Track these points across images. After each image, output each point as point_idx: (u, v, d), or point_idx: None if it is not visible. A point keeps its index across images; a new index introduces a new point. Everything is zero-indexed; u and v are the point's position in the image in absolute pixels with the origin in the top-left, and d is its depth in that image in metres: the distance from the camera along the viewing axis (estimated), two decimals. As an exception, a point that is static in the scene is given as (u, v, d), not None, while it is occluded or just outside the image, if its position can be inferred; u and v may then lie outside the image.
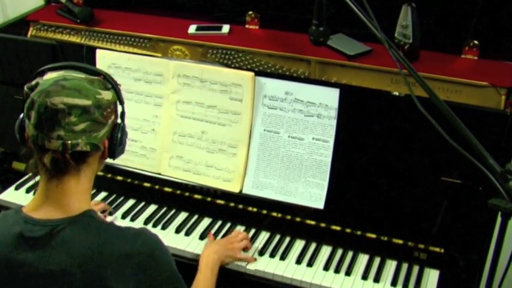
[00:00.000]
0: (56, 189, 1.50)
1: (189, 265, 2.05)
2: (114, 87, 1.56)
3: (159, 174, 2.35)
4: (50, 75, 1.52)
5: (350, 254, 2.12)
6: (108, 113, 1.52)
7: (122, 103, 1.60)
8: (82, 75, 1.52)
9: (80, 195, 1.53)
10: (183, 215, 2.31)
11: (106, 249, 1.46)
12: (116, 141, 1.57)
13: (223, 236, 2.19)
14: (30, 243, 1.46)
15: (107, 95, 1.52)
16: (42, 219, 1.49)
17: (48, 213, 1.50)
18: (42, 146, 1.46)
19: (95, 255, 1.44)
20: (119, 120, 1.62)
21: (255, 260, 2.09)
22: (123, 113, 1.61)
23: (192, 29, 2.61)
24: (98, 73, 1.56)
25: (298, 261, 2.08)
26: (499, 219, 1.44)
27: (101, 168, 1.66)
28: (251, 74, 2.20)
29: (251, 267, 2.06)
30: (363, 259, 2.10)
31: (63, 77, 1.49)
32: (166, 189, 2.35)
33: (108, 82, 1.56)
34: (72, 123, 1.44)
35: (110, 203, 2.37)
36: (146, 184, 2.39)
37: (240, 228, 2.23)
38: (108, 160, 1.66)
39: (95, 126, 1.48)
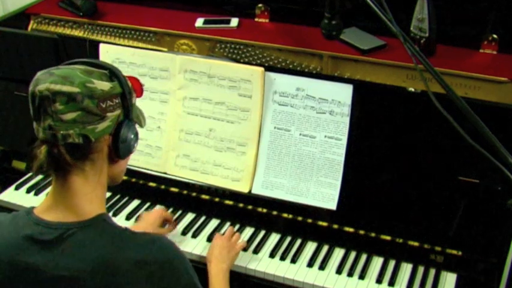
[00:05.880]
0: (63, 189, 1.49)
1: (195, 268, 2.05)
2: (121, 81, 1.51)
3: (165, 173, 2.37)
4: None
5: (364, 256, 2.13)
6: (108, 106, 1.47)
7: (126, 97, 1.53)
8: (81, 66, 1.50)
9: (89, 196, 1.51)
10: (190, 216, 2.33)
11: (120, 255, 1.44)
12: (118, 138, 1.51)
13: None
14: (40, 246, 1.45)
15: (103, 85, 1.46)
16: (53, 222, 1.47)
17: (60, 216, 1.48)
18: (39, 138, 1.46)
19: (108, 261, 1.43)
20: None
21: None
22: (128, 109, 1.54)
23: (199, 22, 2.62)
24: (105, 67, 1.53)
25: (310, 264, 2.10)
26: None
27: (119, 173, 1.63)
28: (261, 69, 2.21)
29: (261, 269, 2.08)
30: (377, 262, 2.11)
31: (57, 67, 1.49)
32: (173, 189, 2.37)
33: (114, 76, 1.51)
34: (59, 112, 1.41)
35: (114, 204, 2.39)
36: (152, 184, 2.40)
37: (250, 230, 2.25)
38: None
39: (89, 117, 1.44)
